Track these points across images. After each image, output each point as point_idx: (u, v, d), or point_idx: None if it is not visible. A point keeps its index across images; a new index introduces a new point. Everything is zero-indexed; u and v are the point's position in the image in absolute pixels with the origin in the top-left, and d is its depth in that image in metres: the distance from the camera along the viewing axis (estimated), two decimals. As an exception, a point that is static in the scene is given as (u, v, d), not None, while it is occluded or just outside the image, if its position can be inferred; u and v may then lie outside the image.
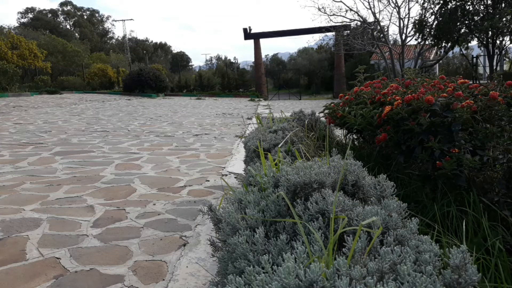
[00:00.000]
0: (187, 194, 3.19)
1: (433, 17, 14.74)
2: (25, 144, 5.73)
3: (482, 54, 19.91)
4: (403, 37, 15.95)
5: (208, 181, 3.61)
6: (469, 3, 14.03)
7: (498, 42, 14.55)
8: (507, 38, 14.54)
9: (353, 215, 1.11)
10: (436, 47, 15.80)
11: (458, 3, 14.05)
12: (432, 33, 14.58)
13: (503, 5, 13.45)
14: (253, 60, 29.46)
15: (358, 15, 16.98)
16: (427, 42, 15.36)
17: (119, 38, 56.16)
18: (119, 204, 2.91)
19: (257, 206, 1.26)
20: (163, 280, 1.82)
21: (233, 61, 39.44)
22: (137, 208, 2.83)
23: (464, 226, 1.61)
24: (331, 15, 17.29)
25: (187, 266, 1.94)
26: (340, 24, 18.59)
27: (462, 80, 2.73)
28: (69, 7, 54.03)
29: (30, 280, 1.82)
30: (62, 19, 53.19)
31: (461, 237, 1.64)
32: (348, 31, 19.71)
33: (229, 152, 5.15)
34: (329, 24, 18.34)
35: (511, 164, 1.83)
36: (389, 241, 0.98)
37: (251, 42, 28.22)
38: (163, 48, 59.17)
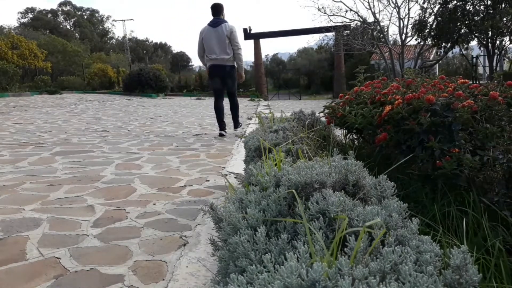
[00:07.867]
0: (187, 194, 3.19)
1: (433, 17, 14.76)
2: (25, 144, 5.73)
3: (482, 54, 19.92)
4: (403, 37, 15.97)
5: (208, 181, 3.61)
6: (469, 3, 14.05)
7: (498, 42, 14.57)
8: (507, 38, 14.56)
9: (354, 215, 1.11)
10: (436, 47, 15.82)
11: (458, 3, 14.07)
12: (432, 33, 14.60)
13: (503, 5, 13.46)
14: (253, 60, 29.43)
15: (358, 15, 17.05)
16: (427, 42, 15.38)
17: (119, 38, 56.20)
18: (119, 204, 2.91)
19: (258, 206, 1.26)
20: (163, 280, 1.82)
21: (233, 61, 39.23)
22: (137, 208, 2.83)
23: (464, 226, 1.61)
24: (331, 15, 17.35)
25: (187, 266, 1.94)
26: (340, 24, 18.62)
27: (462, 80, 2.73)
28: (68, 7, 54.05)
29: (30, 280, 1.82)
30: (62, 19, 53.22)
31: (461, 237, 1.64)
32: (348, 31, 19.73)
33: (229, 152, 5.14)
34: (329, 24, 18.39)
35: (511, 164, 1.83)
36: (390, 241, 0.98)
37: (251, 42, 28.19)
38: (163, 48, 59.18)
